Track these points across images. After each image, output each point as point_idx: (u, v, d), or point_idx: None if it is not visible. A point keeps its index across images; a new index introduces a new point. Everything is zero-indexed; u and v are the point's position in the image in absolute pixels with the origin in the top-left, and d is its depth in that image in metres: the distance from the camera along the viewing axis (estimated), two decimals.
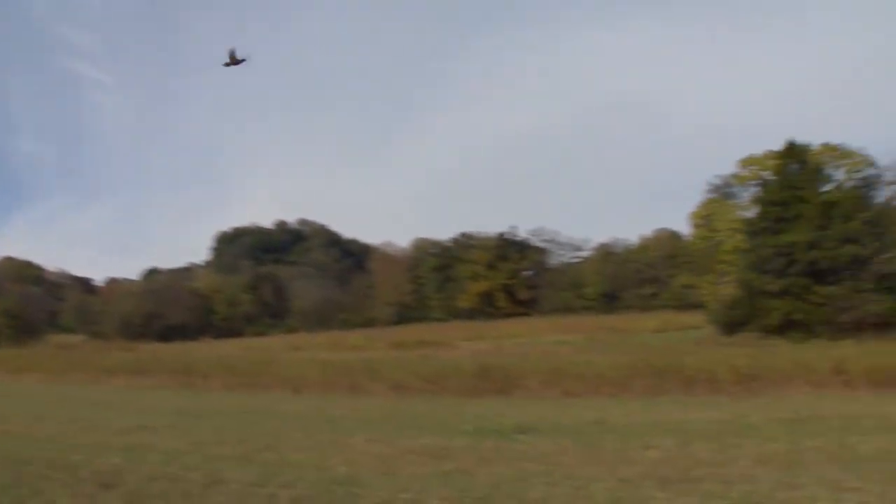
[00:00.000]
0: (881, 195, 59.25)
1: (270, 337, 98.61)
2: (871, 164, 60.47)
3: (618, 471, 11.50)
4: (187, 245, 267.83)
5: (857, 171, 61.04)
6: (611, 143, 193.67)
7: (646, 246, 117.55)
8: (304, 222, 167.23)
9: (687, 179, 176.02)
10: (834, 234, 51.40)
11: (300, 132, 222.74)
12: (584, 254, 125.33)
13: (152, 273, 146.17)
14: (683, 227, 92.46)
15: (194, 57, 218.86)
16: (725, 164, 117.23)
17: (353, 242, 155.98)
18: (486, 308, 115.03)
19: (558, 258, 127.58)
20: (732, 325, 55.57)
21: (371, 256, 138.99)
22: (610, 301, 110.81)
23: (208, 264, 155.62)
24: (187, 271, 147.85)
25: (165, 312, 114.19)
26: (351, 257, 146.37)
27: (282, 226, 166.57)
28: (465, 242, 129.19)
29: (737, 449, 13.36)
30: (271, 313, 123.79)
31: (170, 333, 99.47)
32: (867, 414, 18.00)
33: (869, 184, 59.92)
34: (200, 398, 27.71)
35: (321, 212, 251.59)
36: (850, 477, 10.50)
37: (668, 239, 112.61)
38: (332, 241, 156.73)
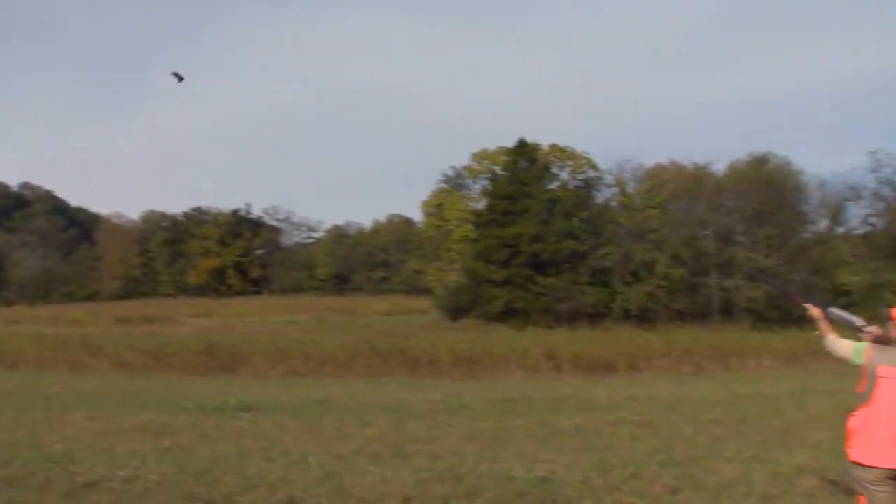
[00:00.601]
0: (600, 196, 62.98)
1: None
2: (594, 166, 64.09)
3: (335, 447, 11.85)
4: None
5: (581, 173, 64.53)
6: (349, 128, 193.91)
7: (378, 230, 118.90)
8: (27, 186, 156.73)
9: (421, 169, 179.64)
10: (556, 229, 54.30)
11: (28, 88, 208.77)
12: (318, 235, 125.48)
13: None
14: (416, 215, 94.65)
15: None
16: (458, 157, 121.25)
17: (81, 211, 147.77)
18: (217, 285, 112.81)
19: (292, 238, 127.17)
20: (457, 310, 57.59)
21: (99, 227, 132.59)
22: (341, 283, 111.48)
23: None
24: None
25: None
26: (77, 227, 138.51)
27: (2, 189, 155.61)
28: (198, 217, 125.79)
29: (448, 427, 14.07)
30: None
31: None
32: (571, 395, 19.41)
33: (590, 185, 63.45)
34: None
35: (47, 176, 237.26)
36: (547, 450, 11.39)
37: (401, 225, 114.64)
38: (58, 208, 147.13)
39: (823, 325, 6.28)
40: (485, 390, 21.43)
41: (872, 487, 5.51)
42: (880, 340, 5.73)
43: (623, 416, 15.07)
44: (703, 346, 30.03)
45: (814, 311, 6.37)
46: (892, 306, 5.77)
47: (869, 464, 5.52)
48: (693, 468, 9.81)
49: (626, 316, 50.16)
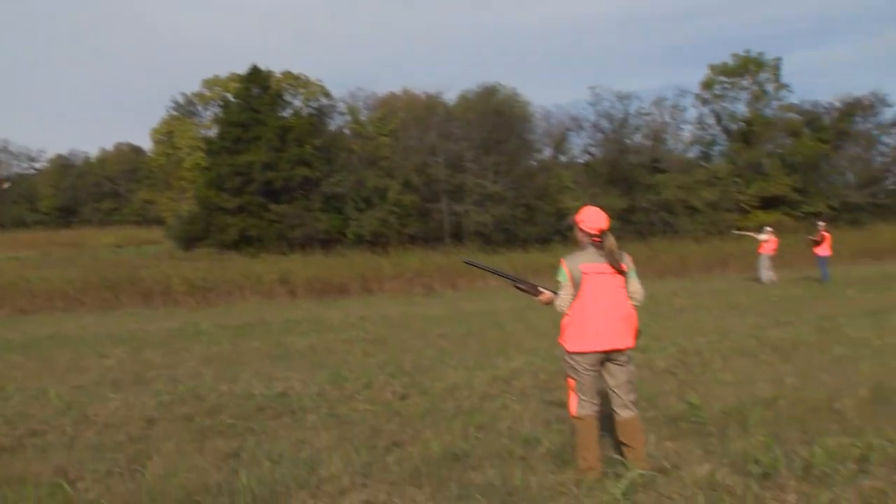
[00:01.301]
0: (333, 123, 63.19)
1: None
2: (326, 94, 64.19)
3: (72, 379, 11.92)
4: None
5: (314, 100, 64.52)
6: (73, 50, 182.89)
7: (106, 160, 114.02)
8: None
9: (150, 95, 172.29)
10: (289, 156, 54.27)
11: None
12: (39, 165, 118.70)
13: None
14: (145, 143, 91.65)
15: None
16: (189, 84, 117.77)
17: None
18: None
19: (10, 169, 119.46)
20: (190, 240, 56.74)
21: None
22: (67, 216, 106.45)
23: None
24: None
25: None
26: None
27: None
28: None
29: (186, 353, 14.41)
30: None
31: None
32: (305, 318, 20.07)
33: (323, 112, 63.52)
34: None
35: None
36: (282, 368, 12.04)
37: (129, 154, 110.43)
38: None
39: (543, 297, 6.56)
40: (220, 317, 21.74)
41: (584, 371, 6.26)
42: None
43: (355, 335, 15.89)
44: (433, 269, 31.35)
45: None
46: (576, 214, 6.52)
47: (584, 350, 6.16)
48: (420, 377, 10.72)
49: (360, 241, 50.99)
